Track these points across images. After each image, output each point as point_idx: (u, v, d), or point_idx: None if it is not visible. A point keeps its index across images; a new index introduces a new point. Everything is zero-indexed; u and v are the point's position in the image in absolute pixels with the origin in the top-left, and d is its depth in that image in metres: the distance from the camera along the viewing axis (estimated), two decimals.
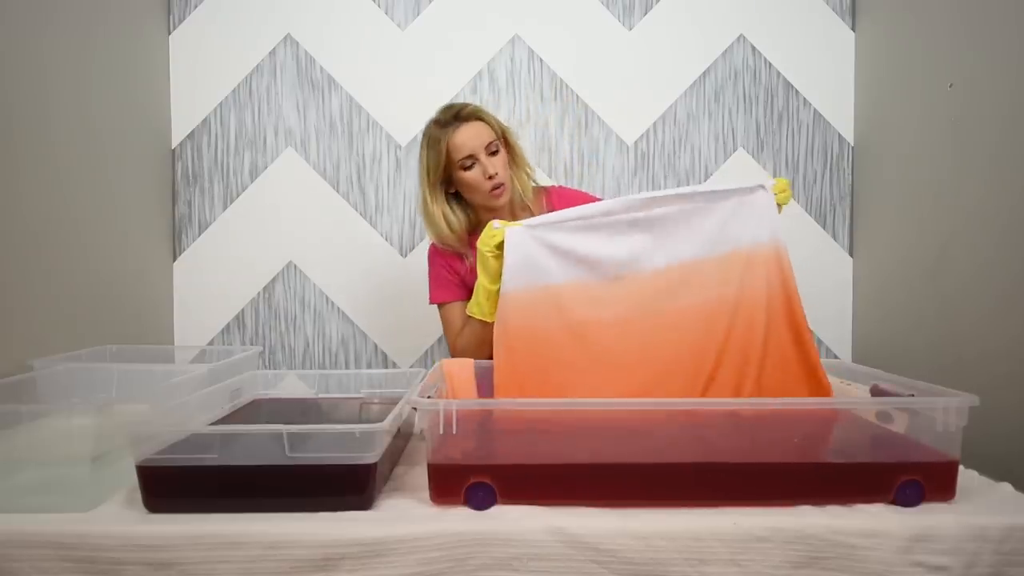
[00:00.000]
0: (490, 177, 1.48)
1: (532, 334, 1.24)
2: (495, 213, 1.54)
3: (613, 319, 1.25)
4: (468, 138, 1.48)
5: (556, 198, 1.64)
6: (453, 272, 1.61)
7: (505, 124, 1.59)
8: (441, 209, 1.54)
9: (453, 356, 1.63)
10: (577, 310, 1.25)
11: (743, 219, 1.28)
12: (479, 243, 1.30)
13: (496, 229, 1.27)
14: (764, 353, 1.23)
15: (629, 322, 1.25)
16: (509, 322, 1.25)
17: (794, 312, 1.26)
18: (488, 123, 1.52)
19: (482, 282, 1.32)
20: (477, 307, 1.35)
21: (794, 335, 1.26)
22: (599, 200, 1.65)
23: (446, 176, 1.52)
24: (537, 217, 1.30)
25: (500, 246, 1.27)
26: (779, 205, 1.31)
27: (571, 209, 1.30)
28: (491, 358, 1.29)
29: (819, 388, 1.23)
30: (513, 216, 1.58)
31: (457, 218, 1.55)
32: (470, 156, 1.48)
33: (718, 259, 1.26)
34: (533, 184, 1.64)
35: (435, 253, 1.63)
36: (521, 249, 1.26)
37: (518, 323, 1.25)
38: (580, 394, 1.19)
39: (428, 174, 1.52)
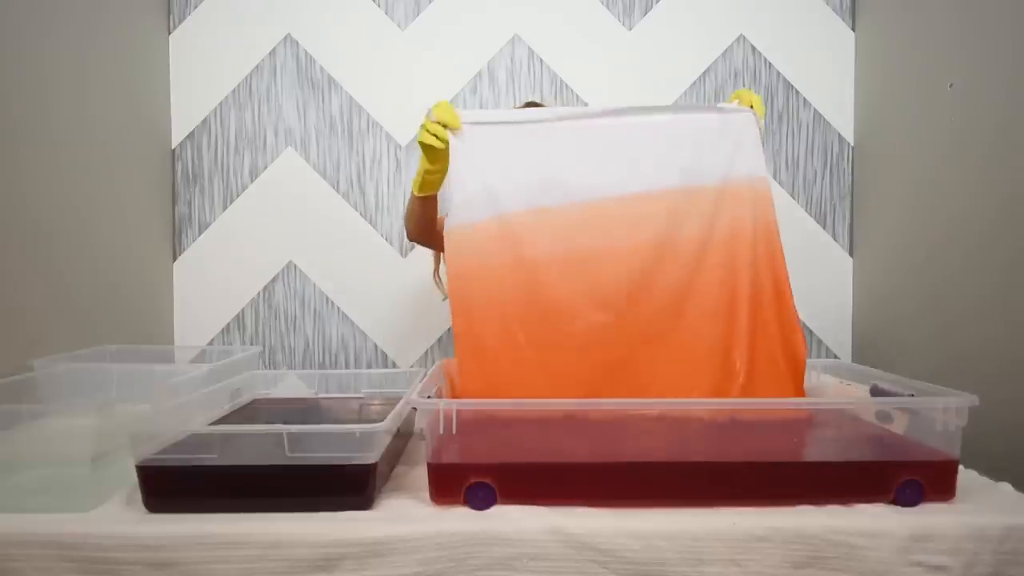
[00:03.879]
0: None
1: (487, 274, 1.16)
2: None
3: (573, 253, 1.16)
4: None
5: None
6: None
7: None
8: None
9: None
10: (535, 244, 1.16)
11: (724, 148, 1.16)
12: (424, 128, 1.18)
13: (438, 124, 1.16)
14: (739, 301, 1.15)
15: (591, 257, 1.16)
16: (462, 260, 1.15)
17: (775, 255, 1.17)
18: None
19: (423, 165, 1.24)
20: (415, 184, 1.30)
21: (774, 284, 1.17)
22: None
23: None
24: (491, 112, 1.25)
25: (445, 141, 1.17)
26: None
27: (534, 111, 1.24)
28: (420, 228, 1.32)
29: (795, 360, 1.18)
30: None
31: None
32: None
33: (693, 191, 1.16)
34: None
35: None
36: (472, 174, 1.17)
37: (473, 263, 1.16)
38: (542, 359, 1.15)
39: None
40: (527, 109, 1.30)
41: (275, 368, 2.13)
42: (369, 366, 2.15)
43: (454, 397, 1.22)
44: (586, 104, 2.14)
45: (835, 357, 2.16)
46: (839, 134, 2.16)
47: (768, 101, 2.16)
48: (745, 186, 1.17)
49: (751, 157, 1.17)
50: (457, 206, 1.19)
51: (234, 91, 2.12)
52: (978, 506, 0.97)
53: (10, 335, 1.40)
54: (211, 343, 2.13)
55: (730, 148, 1.17)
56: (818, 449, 1.07)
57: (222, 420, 1.19)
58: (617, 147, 1.19)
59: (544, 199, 1.18)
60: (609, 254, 1.19)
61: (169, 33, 2.10)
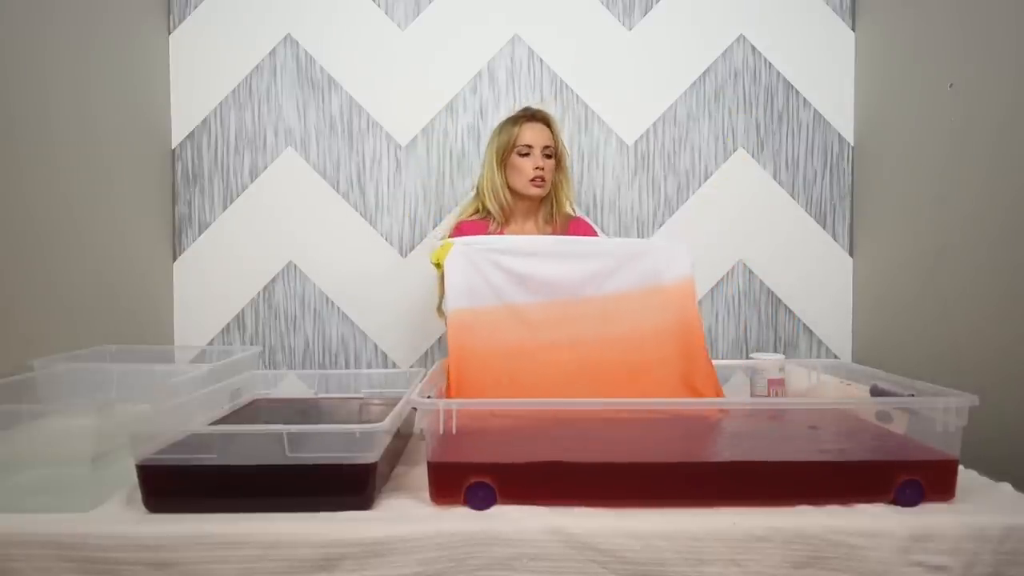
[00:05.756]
0: (536, 168, 1.75)
1: (472, 353, 1.27)
2: (526, 202, 1.80)
3: (542, 343, 1.30)
4: (534, 134, 1.78)
5: (574, 227, 1.84)
6: None
7: (566, 150, 1.86)
8: (498, 179, 1.79)
9: None
10: (509, 333, 1.30)
11: (658, 262, 1.38)
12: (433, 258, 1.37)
13: (440, 247, 1.36)
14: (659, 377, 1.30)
15: (555, 347, 1.29)
16: (451, 341, 1.29)
17: (692, 341, 1.33)
18: (552, 131, 1.80)
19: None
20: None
21: (692, 362, 1.31)
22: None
23: (506, 158, 1.79)
24: (480, 238, 1.42)
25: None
26: None
27: (512, 239, 1.49)
28: None
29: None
30: (535, 224, 1.83)
31: (503, 189, 1.80)
32: (529, 146, 1.76)
33: (638, 293, 1.36)
34: (568, 212, 1.85)
35: (458, 231, 1.78)
36: (460, 273, 1.32)
37: (456, 343, 1.28)
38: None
39: (496, 152, 1.79)
40: (506, 237, 1.56)
41: (275, 368, 2.13)
42: (369, 366, 2.15)
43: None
44: (586, 105, 2.15)
45: (835, 357, 2.16)
46: (839, 134, 2.16)
47: (768, 101, 2.16)
48: (673, 285, 1.38)
49: (678, 266, 1.39)
50: (450, 297, 1.33)
51: (234, 91, 2.12)
52: (978, 506, 0.97)
53: (10, 335, 1.40)
54: (211, 343, 2.13)
55: (664, 262, 1.40)
56: (818, 449, 1.07)
57: (222, 420, 1.19)
58: (578, 259, 1.38)
59: (516, 297, 1.34)
60: (574, 345, 1.31)
61: (169, 33, 2.10)
